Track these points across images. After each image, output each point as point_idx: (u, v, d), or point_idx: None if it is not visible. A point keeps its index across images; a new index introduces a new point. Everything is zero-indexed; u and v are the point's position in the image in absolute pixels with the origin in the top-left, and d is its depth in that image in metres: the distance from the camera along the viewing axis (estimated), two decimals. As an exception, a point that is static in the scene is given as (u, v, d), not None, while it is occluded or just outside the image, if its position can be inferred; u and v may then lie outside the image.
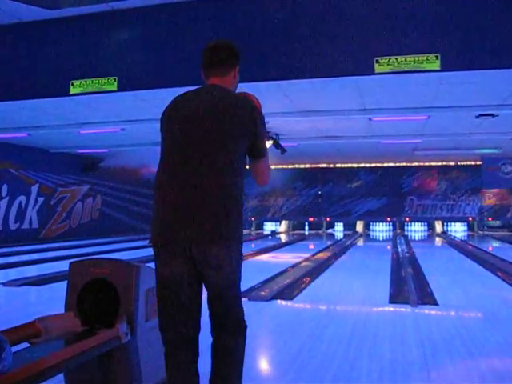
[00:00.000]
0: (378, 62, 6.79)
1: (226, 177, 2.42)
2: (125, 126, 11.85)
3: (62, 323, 3.01)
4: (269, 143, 12.22)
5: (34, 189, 15.82)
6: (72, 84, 7.77)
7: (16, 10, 7.58)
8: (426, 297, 6.73)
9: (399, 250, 13.56)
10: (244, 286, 6.51)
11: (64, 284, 3.28)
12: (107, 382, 3.12)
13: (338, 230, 22.47)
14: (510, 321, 5.39)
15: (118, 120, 11.14)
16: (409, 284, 7.64)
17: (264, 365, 4.09)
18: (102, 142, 14.55)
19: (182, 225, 2.39)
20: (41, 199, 16.06)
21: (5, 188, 14.71)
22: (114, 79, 7.64)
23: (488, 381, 3.50)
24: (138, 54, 7.83)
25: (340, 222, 22.44)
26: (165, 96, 8.52)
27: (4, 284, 7.69)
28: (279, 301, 6.34)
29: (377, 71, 6.81)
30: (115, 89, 7.70)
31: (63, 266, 3.41)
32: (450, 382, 3.48)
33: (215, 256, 2.40)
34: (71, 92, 7.84)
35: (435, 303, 6.32)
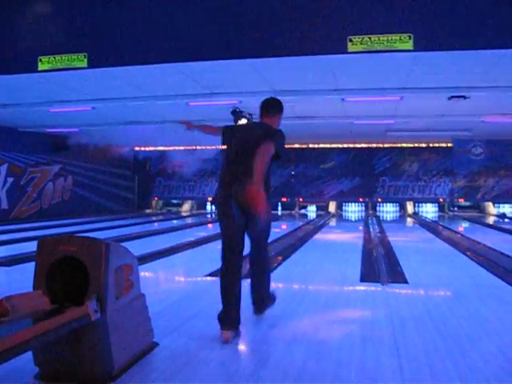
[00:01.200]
0: (351, 40, 6.78)
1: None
2: (96, 105, 11.68)
3: (30, 302, 2.97)
4: (242, 123, 12.18)
5: (3, 169, 15.53)
6: (40, 60, 7.60)
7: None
8: (396, 275, 6.82)
9: (371, 230, 13.70)
10: (216, 265, 6.56)
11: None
12: (77, 360, 3.10)
13: (311, 210, 22.56)
14: (477, 299, 5.48)
15: (89, 98, 10.98)
16: (380, 263, 7.72)
17: (236, 340, 4.10)
18: (72, 120, 14.34)
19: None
20: (10, 179, 15.79)
21: (-28, 168, 14.44)
22: (84, 55, 7.50)
23: (454, 355, 3.56)
24: (110, 30, 7.68)
25: (312, 202, 22.50)
26: (136, 74, 8.50)
27: (-28, 264, 7.57)
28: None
29: (350, 50, 6.81)
30: (85, 65, 7.56)
31: (34, 246, 3.34)
32: (418, 356, 3.53)
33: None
34: (39, 68, 7.68)
35: (405, 281, 6.40)
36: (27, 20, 7.88)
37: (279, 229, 13.55)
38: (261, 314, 4.54)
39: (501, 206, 21.43)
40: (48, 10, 7.87)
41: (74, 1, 7.80)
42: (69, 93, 10.31)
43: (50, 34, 7.74)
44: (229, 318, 3.95)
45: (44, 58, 7.57)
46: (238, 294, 4.11)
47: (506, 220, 18.60)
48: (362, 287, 6.13)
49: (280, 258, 8.26)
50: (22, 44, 7.89)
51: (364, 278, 6.59)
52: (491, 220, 18.67)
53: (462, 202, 21.52)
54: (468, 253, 8.97)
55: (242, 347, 3.87)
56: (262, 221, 4.06)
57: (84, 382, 3.06)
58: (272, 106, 4.55)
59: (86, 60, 7.47)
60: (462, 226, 16.36)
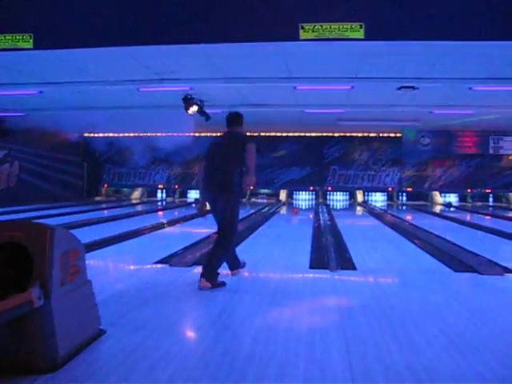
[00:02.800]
0: (303, 28, 6.79)
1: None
2: (44, 89, 11.37)
3: (-30, 288, 2.87)
4: (193, 109, 12.08)
5: None
6: (-18, 39, 7.32)
7: None
8: (345, 262, 6.90)
9: (321, 218, 13.82)
10: (166, 252, 6.48)
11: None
12: (20, 349, 3.01)
13: (262, 198, 22.60)
14: (423, 284, 5.61)
15: (37, 82, 10.67)
16: (329, 250, 7.80)
17: (185, 327, 4.08)
18: (19, 104, 13.91)
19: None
20: (-49, 165, 15.24)
21: None
22: (30, 36, 7.24)
23: (400, 339, 3.63)
24: (57, 10, 7.45)
25: (263, 190, 22.56)
26: (85, 57, 8.31)
27: None
28: (200, 267, 6.32)
29: (302, 37, 6.81)
30: (31, 46, 7.30)
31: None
32: (365, 340, 3.59)
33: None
34: (-19, 48, 7.39)
35: (354, 268, 6.49)
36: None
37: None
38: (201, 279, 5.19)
39: (447, 195, 21.99)
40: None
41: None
42: (15, 75, 10.00)
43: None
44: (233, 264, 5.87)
45: (-14, 38, 7.30)
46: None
47: (452, 209, 19.09)
48: (311, 274, 6.18)
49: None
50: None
51: (313, 265, 6.65)
52: (438, 209, 19.13)
53: (409, 190, 21.97)
54: (415, 240, 9.16)
55: (189, 334, 3.85)
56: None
57: (27, 371, 2.98)
58: (234, 120, 5.73)
59: (31, 41, 7.22)
60: (410, 215, 16.69)
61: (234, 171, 5.40)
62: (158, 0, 7.44)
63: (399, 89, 11.01)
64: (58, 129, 18.19)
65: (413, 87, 10.79)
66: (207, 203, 5.69)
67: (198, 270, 5.72)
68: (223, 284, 5.30)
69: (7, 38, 7.27)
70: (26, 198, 17.64)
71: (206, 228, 8.99)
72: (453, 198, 21.84)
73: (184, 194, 23.03)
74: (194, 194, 22.55)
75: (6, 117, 16.10)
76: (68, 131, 19.36)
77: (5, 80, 10.47)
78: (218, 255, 5.42)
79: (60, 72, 9.69)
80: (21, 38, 7.25)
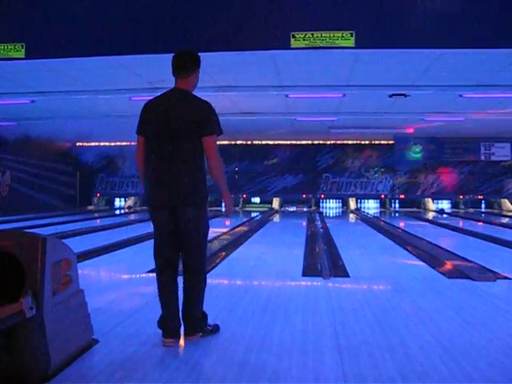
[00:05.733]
0: (294, 36, 6.82)
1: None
2: (35, 98, 11.36)
3: (-40, 299, 2.85)
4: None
5: None
6: (-26, 49, 7.31)
7: None
8: (338, 269, 6.91)
9: (314, 225, 13.84)
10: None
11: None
12: (11, 359, 2.99)
13: (255, 206, 22.62)
14: (416, 291, 5.62)
15: (29, 91, 10.66)
16: (322, 258, 7.80)
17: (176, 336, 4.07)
18: (10, 114, 13.88)
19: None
20: None
21: None
22: (22, 46, 7.23)
23: (393, 345, 3.63)
24: (49, 20, 7.45)
25: (256, 197, 22.62)
26: (76, 66, 8.31)
27: None
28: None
29: (293, 46, 6.84)
30: (23, 56, 7.29)
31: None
32: (358, 347, 3.59)
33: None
34: (-27, 58, 7.38)
35: (347, 275, 6.49)
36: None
37: (222, 226, 13.51)
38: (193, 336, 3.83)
39: (439, 202, 22.07)
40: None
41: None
42: (6, 84, 9.98)
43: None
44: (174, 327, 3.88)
45: (-22, 48, 7.28)
46: None
47: (445, 215, 19.15)
48: (304, 282, 6.18)
49: (223, 253, 8.25)
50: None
51: (306, 273, 6.65)
52: (430, 215, 19.18)
53: (402, 197, 22.04)
54: (408, 247, 9.18)
55: (182, 343, 3.84)
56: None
57: (18, 382, 2.96)
58: (187, 61, 3.91)
59: (23, 50, 7.22)
60: (403, 222, 16.73)
61: (195, 162, 3.74)
62: (149, 9, 7.46)
63: (390, 96, 11.07)
64: (50, 138, 18.15)
65: (404, 95, 10.85)
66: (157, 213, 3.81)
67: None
68: (217, 329, 4.00)
69: (-1, 47, 7.27)
70: (18, 207, 17.55)
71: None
72: (445, 205, 21.92)
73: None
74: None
75: (-3, 126, 16.06)
76: (60, 140, 19.32)
77: (-4, 89, 10.47)
78: (200, 297, 3.86)
79: (52, 81, 9.69)
80: (13, 47, 7.25)
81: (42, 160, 19.42)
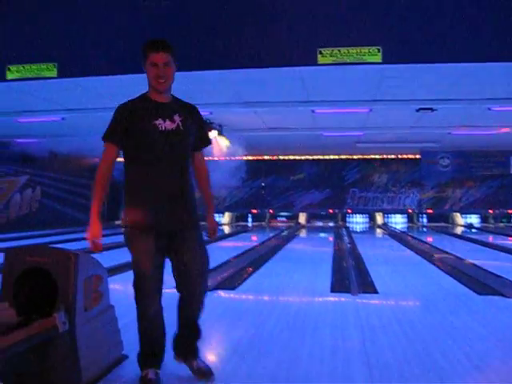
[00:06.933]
0: (321, 53, 6.85)
1: None
2: (66, 115, 11.56)
3: (-4, 314, 2.90)
4: (213, 134, 12.17)
5: (-33, 180, 15.24)
6: (8, 69, 7.49)
7: None
8: (366, 286, 6.85)
9: (341, 241, 13.76)
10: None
11: (3, 277, 3.17)
12: (44, 373, 3.03)
13: (281, 221, 22.60)
14: (446, 307, 5.55)
15: (60, 108, 10.86)
16: (350, 274, 7.75)
17: (209, 351, 4.07)
18: (41, 131, 14.14)
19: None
20: (-24, 191, 15.50)
21: None
22: (54, 65, 7.41)
23: (424, 362, 3.59)
24: (80, 40, 7.62)
25: (283, 213, 22.61)
26: (107, 84, 8.43)
27: None
28: (221, 291, 6.32)
29: (320, 62, 6.87)
30: (55, 75, 7.47)
31: (0, 258, 3.28)
32: (388, 364, 3.55)
33: None
34: (8, 77, 7.57)
35: (375, 291, 6.44)
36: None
37: (249, 241, 13.53)
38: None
39: (468, 216, 21.78)
40: (17, 19, 7.77)
41: (44, 9, 7.71)
42: (38, 102, 10.19)
43: (19, 42, 7.64)
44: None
45: (12, 67, 7.46)
46: None
47: (473, 230, 18.90)
48: (332, 298, 6.15)
49: (250, 269, 8.25)
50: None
51: (334, 289, 6.61)
52: (459, 230, 18.95)
53: (430, 212, 21.82)
54: (437, 262, 9.08)
55: (212, 358, 3.84)
56: None
57: (51, 397, 3.00)
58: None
59: (55, 70, 7.39)
60: (431, 237, 16.56)
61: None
62: (176, 28, 7.56)
63: (418, 111, 11.02)
64: (79, 154, 18.42)
65: (431, 109, 10.79)
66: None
67: (219, 294, 5.71)
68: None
69: (32, 67, 7.45)
70: (48, 222, 17.80)
71: (227, 252, 8.97)
72: (474, 219, 21.63)
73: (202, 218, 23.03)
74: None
75: (29, 143, 16.35)
76: (88, 156, 19.59)
77: (29, 107, 10.67)
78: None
79: (82, 99, 9.85)
80: (45, 67, 7.42)
81: (70, 175, 19.69)
